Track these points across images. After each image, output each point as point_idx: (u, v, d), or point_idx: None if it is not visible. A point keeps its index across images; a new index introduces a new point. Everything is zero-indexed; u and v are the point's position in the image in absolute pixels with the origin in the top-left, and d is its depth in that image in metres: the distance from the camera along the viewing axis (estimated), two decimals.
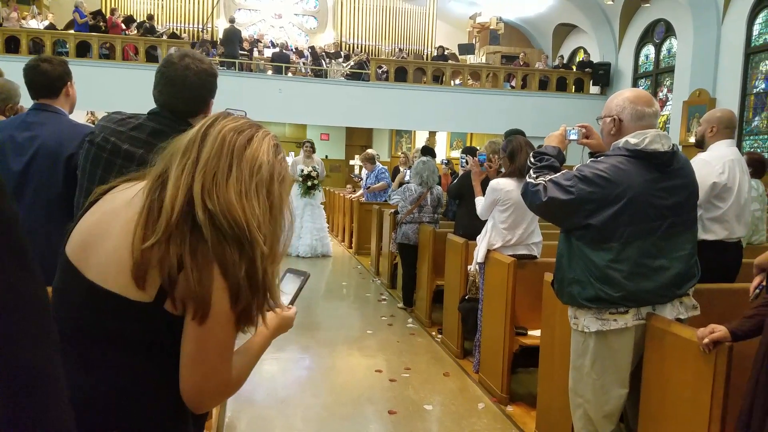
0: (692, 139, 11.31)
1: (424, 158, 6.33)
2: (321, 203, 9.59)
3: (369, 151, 9.94)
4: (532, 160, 2.61)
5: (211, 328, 1.08)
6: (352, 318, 6.23)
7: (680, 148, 2.53)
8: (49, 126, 2.55)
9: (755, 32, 11.84)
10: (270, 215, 1.14)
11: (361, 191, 10.01)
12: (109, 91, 12.40)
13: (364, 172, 10.64)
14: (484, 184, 4.44)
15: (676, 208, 2.40)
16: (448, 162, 6.71)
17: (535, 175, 2.52)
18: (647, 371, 2.43)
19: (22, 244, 0.54)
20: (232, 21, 15.99)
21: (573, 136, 2.70)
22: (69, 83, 2.70)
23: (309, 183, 9.14)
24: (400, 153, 11.03)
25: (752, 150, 11.36)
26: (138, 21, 15.78)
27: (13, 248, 0.53)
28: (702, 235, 3.48)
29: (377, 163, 9.63)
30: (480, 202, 4.28)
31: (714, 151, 3.57)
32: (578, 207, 2.37)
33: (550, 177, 2.46)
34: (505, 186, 4.03)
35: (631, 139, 2.39)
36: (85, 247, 1.13)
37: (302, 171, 9.10)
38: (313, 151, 9.43)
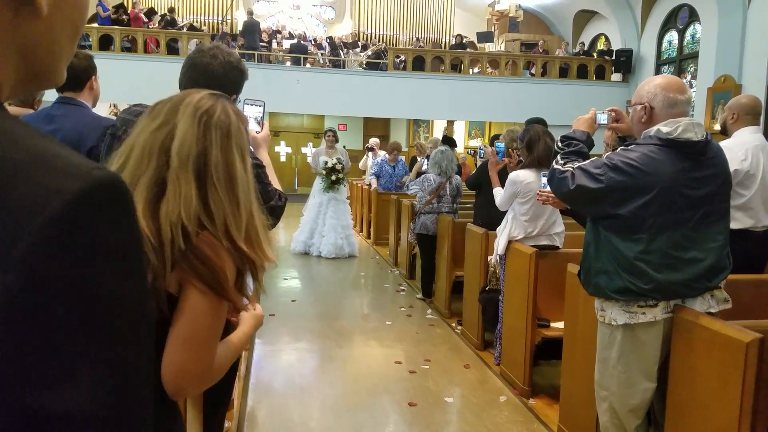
0: (717, 126, 11.11)
1: (442, 147, 6.27)
2: (346, 198, 8.83)
3: (396, 141, 9.89)
4: (559, 144, 2.55)
5: (208, 308, 1.12)
6: (371, 308, 6.22)
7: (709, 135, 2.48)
8: (71, 119, 2.63)
9: None
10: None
11: (369, 180, 9.85)
12: (131, 84, 12.49)
13: (370, 160, 10.49)
14: (502, 175, 4.38)
15: (709, 198, 2.33)
16: (475, 153, 6.59)
17: (562, 161, 2.46)
18: (675, 364, 2.37)
19: (143, 260, 0.58)
20: (250, 13, 16.06)
21: (603, 120, 2.65)
22: (93, 77, 2.76)
23: (334, 177, 8.32)
24: (415, 143, 10.92)
25: None
26: (159, 14, 15.89)
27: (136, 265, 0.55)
28: None
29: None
30: (498, 193, 4.22)
31: (737, 138, 3.50)
32: (607, 196, 2.31)
33: (578, 164, 2.40)
34: (525, 178, 3.97)
35: (663, 128, 2.32)
36: None
37: (326, 163, 8.30)
38: (336, 141, 8.59)
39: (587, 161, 2.41)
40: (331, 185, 8.40)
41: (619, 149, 2.42)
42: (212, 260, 1.11)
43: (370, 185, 9.64)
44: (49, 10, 0.57)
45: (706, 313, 2.35)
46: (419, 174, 7.42)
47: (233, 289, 1.15)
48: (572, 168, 2.40)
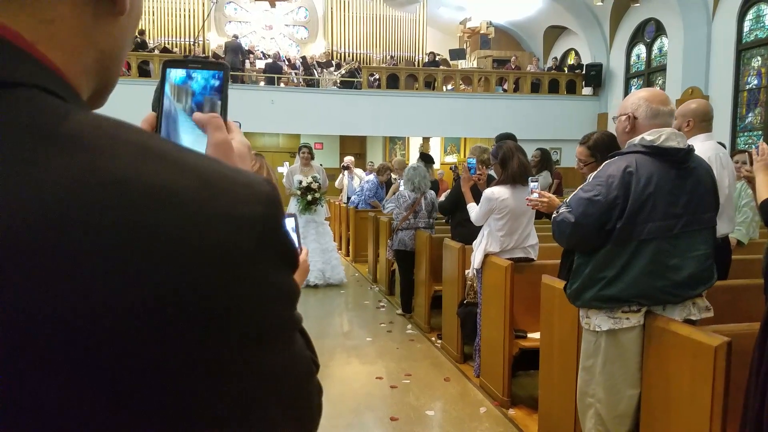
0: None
1: (414, 164, 6.36)
2: (326, 219, 8.11)
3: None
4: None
5: None
6: (351, 325, 6.21)
7: None
8: None
9: (746, 28, 11.88)
10: None
11: (353, 198, 9.82)
12: (103, 107, 12.39)
13: (346, 179, 10.48)
14: (474, 191, 4.44)
15: (691, 206, 2.39)
16: (456, 168, 6.64)
17: (555, 214, 2.55)
18: (647, 370, 2.43)
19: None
20: (235, 36, 16.42)
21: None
22: None
23: (310, 196, 7.56)
24: (393, 160, 11.02)
25: (746, 147, 11.41)
26: None
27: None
28: None
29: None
30: (473, 208, 4.25)
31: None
32: (609, 212, 2.35)
33: (569, 198, 2.47)
34: (500, 195, 4.01)
35: (647, 137, 2.40)
36: None
37: (300, 182, 7.52)
38: (312, 158, 7.74)
39: (574, 193, 2.47)
40: (308, 206, 7.61)
41: (603, 164, 2.48)
42: None
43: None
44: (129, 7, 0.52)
45: (686, 320, 2.40)
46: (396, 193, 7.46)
47: None
48: (565, 204, 2.46)
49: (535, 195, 3.02)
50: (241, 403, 0.46)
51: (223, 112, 0.67)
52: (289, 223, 1.38)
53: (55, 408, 0.38)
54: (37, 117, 0.42)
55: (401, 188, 6.34)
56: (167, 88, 0.67)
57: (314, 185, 7.55)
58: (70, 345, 0.38)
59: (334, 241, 10.64)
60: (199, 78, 0.67)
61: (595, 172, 2.48)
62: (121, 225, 0.40)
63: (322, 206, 7.90)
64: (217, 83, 0.68)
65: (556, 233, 2.53)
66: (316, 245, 7.78)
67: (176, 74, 0.67)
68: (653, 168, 2.36)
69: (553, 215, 2.54)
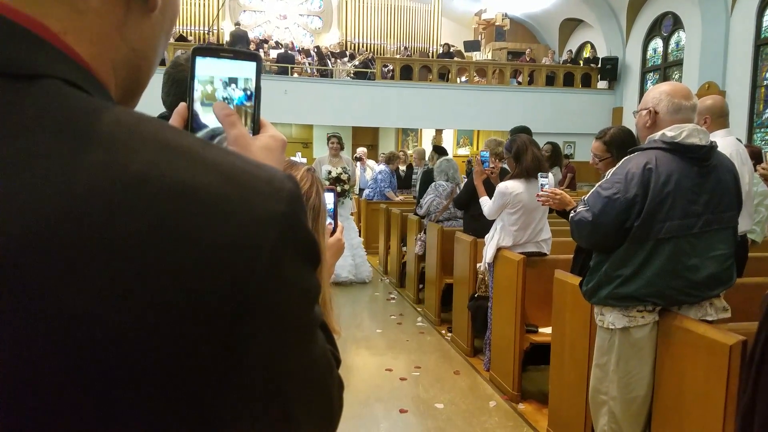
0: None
1: (447, 157, 6.42)
2: (351, 214, 7.73)
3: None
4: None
5: None
6: (361, 317, 6.22)
7: None
8: None
9: (765, 23, 11.69)
10: None
11: (366, 191, 9.77)
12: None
13: (358, 170, 10.40)
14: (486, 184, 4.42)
15: (711, 205, 2.35)
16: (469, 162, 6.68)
17: (572, 213, 2.52)
18: (661, 368, 2.41)
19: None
20: (237, 24, 16.16)
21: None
22: None
23: (339, 188, 6.91)
24: (401, 153, 10.97)
25: (762, 144, 11.28)
26: None
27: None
28: None
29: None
30: (486, 202, 4.22)
31: None
32: (628, 211, 2.32)
33: (587, 196, 2.44)
34: (514, 189, 3.99)
35: (668, 132, 2.35)
36: None
37: (329, 173, 7.03)
38: (342, 148, 7.30)
39: (592, 190, 2.45)
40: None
41: (622, 161, 2.44)
42: None
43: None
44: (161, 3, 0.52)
45: (702, 320, 2.36)
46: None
47: None
48: (583, 202, 2.44)
49: (546, 189, 3.00)
50: (261, 401, 0.46)
51: (257, 104, 0.66)
52: (329, 198, 1.37)
53: (72, 407, 0.38)
54: (54, 110, 0.41)
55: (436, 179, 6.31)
56: (197, 78, 0.64)
57: (344, 176, 7.16)
58: (86, 342, 0.38)
59: None
60: (231, 68, 0.65)
61: (614, 169, 2.44)
62: (139, 224, 0.39)
63: (350, 199, 7.55)
64: (249, 74, 0.66)
65: (574, 233, 2.50)
66: (347, 242, 7.44)
67: (206, 63, 0.64)
68: (673, 165, 2.31)
69: (571, 215, 2.51)
